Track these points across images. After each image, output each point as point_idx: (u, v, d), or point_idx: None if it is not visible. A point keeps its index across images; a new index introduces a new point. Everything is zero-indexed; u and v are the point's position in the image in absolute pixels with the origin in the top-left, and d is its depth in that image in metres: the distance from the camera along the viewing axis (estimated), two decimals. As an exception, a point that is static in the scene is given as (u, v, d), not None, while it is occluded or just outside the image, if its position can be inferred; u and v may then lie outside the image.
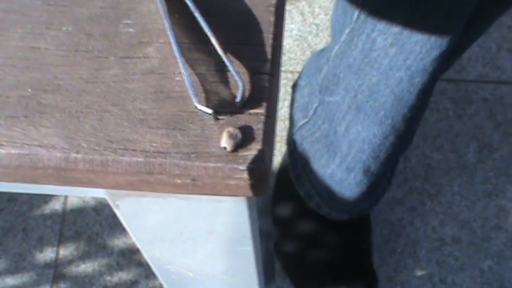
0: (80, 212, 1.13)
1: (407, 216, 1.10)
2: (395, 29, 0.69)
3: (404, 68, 0.72)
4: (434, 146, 1.15)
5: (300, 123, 0.91)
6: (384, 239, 1.09)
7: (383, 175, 0.89)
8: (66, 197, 1.15)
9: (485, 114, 1.16)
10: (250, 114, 0.37)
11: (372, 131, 0.80)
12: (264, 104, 0.37)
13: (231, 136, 0.36)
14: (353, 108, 0.80)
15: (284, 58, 1.21)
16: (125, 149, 0.36)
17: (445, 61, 0.72)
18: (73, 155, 0.37)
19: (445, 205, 1.11)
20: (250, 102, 0.37)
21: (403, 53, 0.71)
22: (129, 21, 0.39)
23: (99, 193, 0.43)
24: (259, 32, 0.38)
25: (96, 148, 0.37)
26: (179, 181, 0.37)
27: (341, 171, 0.87)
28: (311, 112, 0.89)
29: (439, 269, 1.08)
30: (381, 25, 0.70)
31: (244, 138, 0.36)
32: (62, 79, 0.38)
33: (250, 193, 0.37)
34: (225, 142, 0.36)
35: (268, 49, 0.38)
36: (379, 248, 1.08)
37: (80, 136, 0.37)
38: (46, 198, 1.15)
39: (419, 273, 1.07)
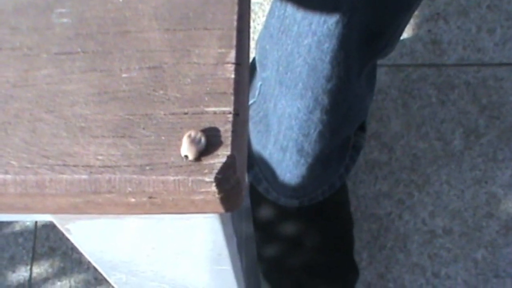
0: (53, 227, 1.08)
1: (395, 209, 1.06)
2: None
3: (310, 33, 0.68)
4: (418, 134, 1.10)
5: (249, 103, 0.86)
6: (372, 235, 1.04)
7: (326, 157, 0.84)
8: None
9: (469, 98, 1.13)
10: (215, 113, 0.30)
11: (296, 106, 0.76)
12: (232, 100, 0.30)
13: (193, 141, 0.30)
14: (277, 82, 0.76)
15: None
16: (64, 165, 0.30)
17: (357, 28, 0.68)
18: (1, 176, 0.30)
19: (434, 196, 1.07)
20: (214, 99, 0.31)
21: (307, 18, 0.68)
22: (63, 10, 0.32)
23: (45, 217, 0.37)
24: (220, 14, 0.32)
25: (29, 166, 0.30)
26: (133, 199, 0.30)
27: (277, 151, 0.83)
28: (257, 92, 0.84)
29: (431, 263, 1.04)
30: None
31: (209, 143, 0.30)
32: (-16, 85, 0.32)
33: (220, 209, 0.30)
34: (186, 149, 0.30)
35: (233, 33, 0.31)
36: (368, 244, 1.04)
37: (8, 153, 0.30)
38: (12, 215, 1.09)
39: (411, 268, 1.04)
